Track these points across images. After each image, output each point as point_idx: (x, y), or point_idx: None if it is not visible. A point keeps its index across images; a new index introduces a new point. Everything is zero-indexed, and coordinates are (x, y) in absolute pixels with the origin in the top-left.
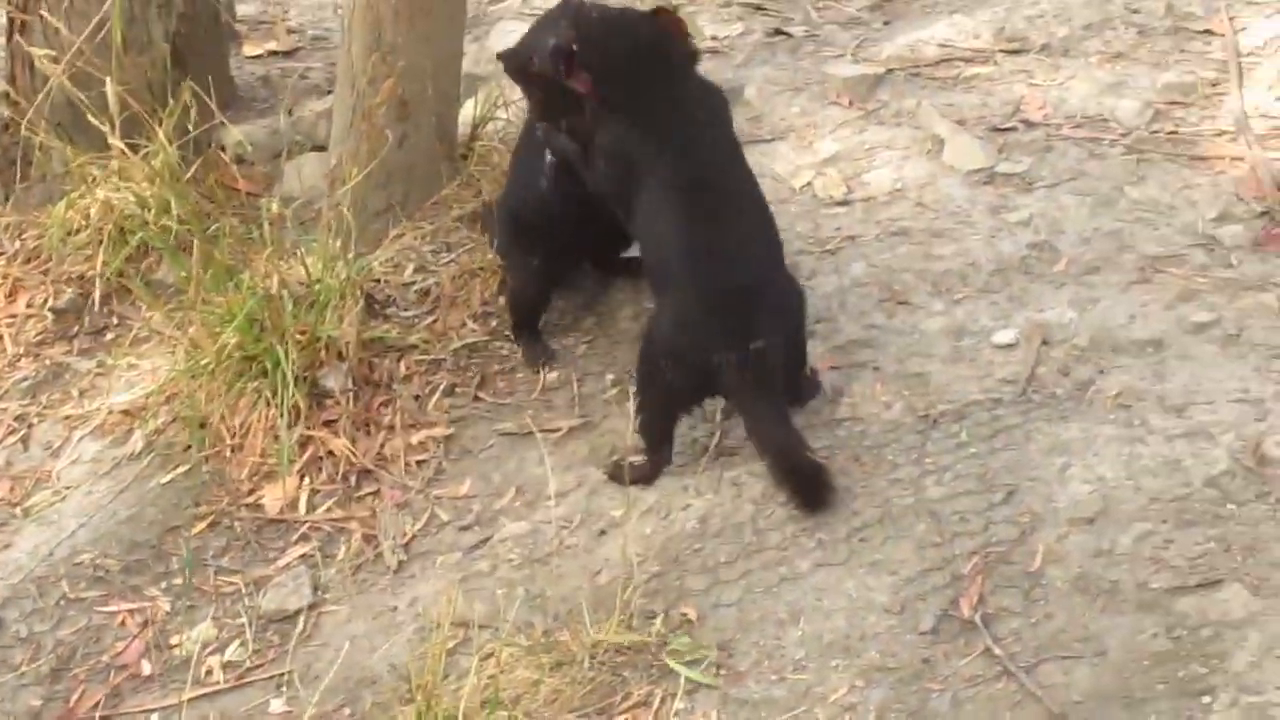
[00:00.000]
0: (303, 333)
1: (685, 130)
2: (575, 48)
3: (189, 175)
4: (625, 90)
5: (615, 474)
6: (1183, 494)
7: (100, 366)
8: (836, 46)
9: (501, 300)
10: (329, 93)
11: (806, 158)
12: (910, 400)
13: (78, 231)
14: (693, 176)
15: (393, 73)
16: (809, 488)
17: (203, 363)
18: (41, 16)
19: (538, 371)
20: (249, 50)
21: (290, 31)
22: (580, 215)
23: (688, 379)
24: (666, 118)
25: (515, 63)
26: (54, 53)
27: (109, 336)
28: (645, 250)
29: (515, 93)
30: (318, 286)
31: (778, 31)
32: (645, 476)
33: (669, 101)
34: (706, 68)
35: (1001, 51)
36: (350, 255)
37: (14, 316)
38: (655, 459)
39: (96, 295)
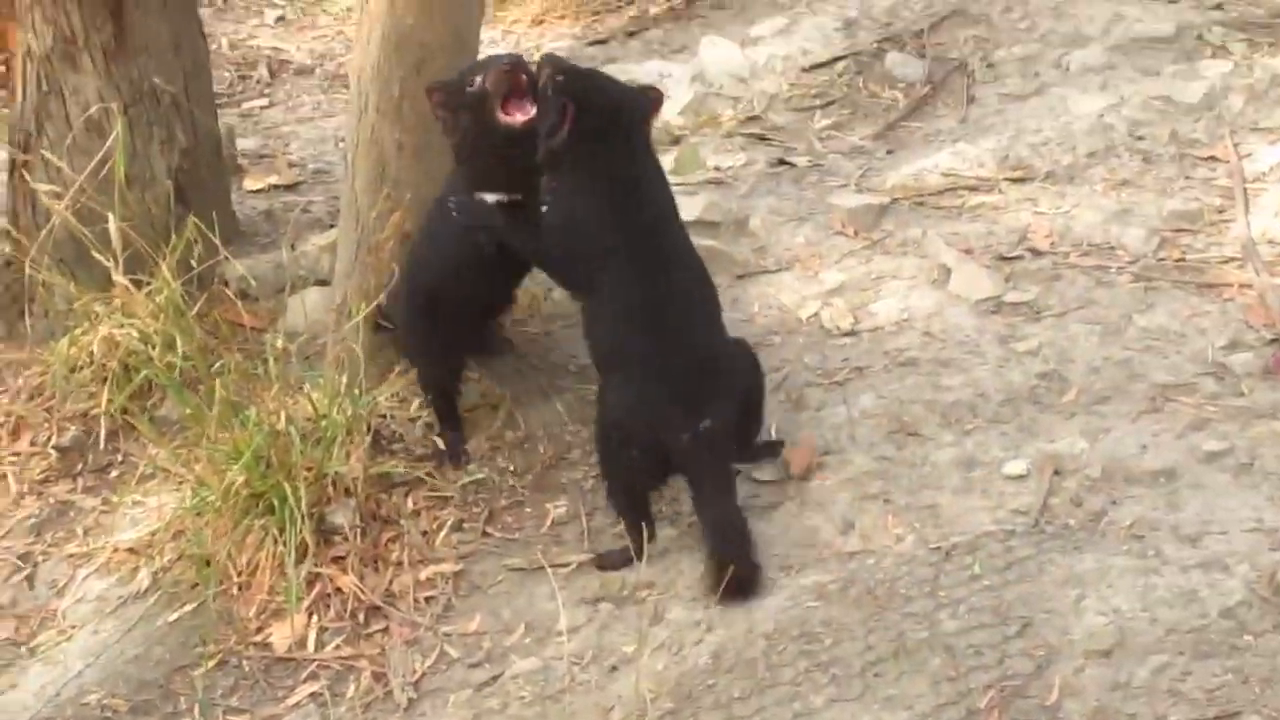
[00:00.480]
0: (309, 469)
1: (649, 209)
2: (560, 78)
3: (193, 311)
4: (595, 146)
5: (604, 562)
6: (1199, 625)
7: (105, 504)
8: (840, 176)
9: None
10: (331, 226)
11: (813, 288)
12: (922, 532)
13: (81, 368)
14: (654, 257)
15: (398, 207)
16: (732, 582)
17: (209, 500)
18: (43, 155)
19: (457, 469)
20: (251, 184)
21: (291, 165)
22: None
23: (645, 459)
24: (633, 191)
25: (448, 92)
26: (57, 189)
27: (114, 474)
28: (597, 325)
29: None
30: (324, 422)
31: (781, 161)
32: (629, 557)
33: (635, 175)
34: (711, 198)
35: (1006, 180)
36: (356, 390)
37: (18, 454)
38: (635, 537)
39: (101, 432)
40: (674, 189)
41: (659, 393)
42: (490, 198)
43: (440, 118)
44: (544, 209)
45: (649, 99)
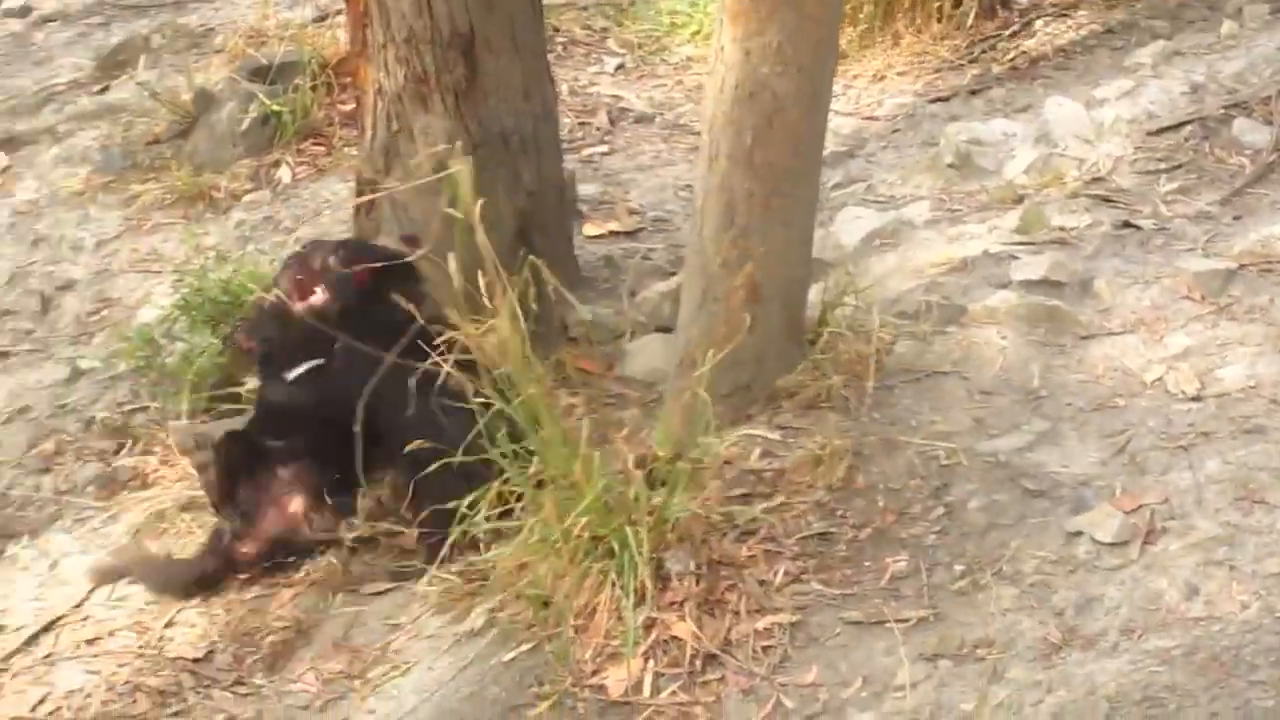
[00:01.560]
0: (650, 513)
1: None
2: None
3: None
4: None
5: None
6: None
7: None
8: (1186, 240)
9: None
10: (672, 274)
11: (1157, 351)
12: (1268, 600)
13: None
14: None
15: (748, 255)
16: None
17: (551, 540)
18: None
19: None
20: (590, 230)
21: (632, 212)
22: None
23: None
24: None
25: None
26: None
27: None
28: None
29: (864, 278)
30: (667, 468)
31: (1126, 224)
32: None
33: None
34: (1055, 258)
35: None
36: (699, 438)
37: None
38: None
39: None
40: (1017, 247)
41: None
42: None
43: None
44: None
45: None
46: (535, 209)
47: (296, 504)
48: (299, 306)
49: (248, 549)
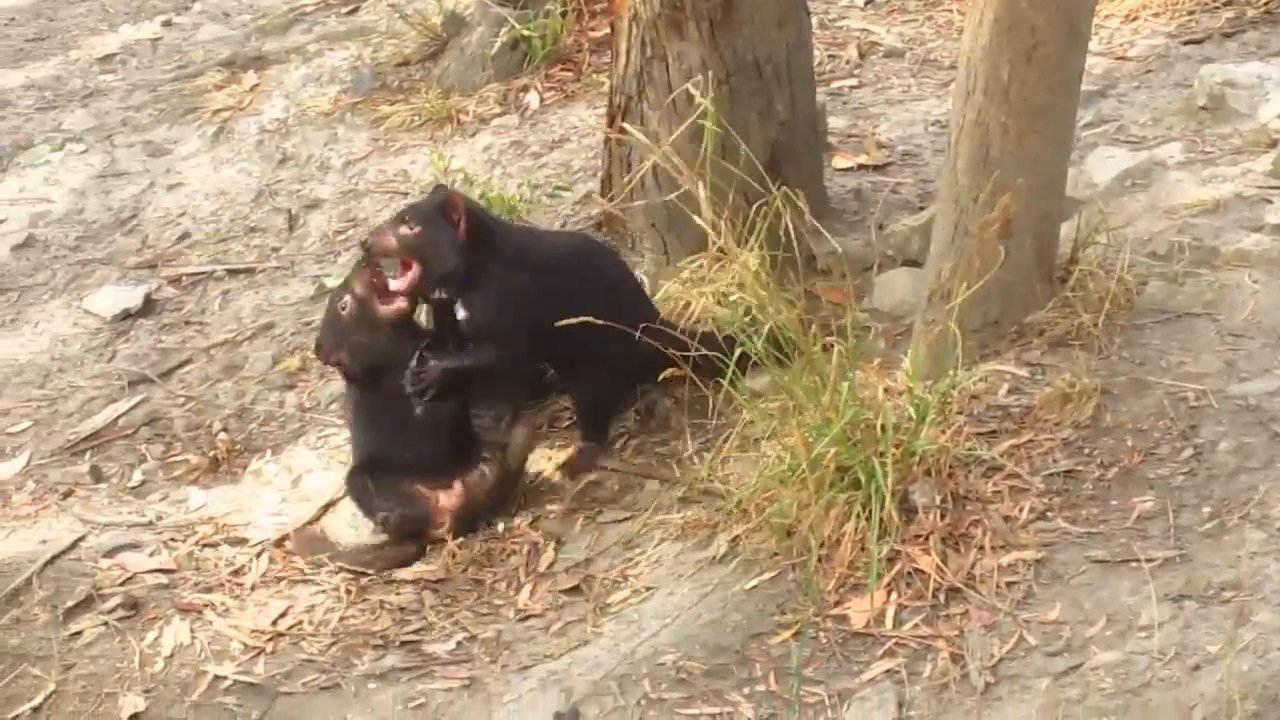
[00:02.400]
0: (897, 446)
1: None
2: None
3: (782, 283)
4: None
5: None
6: None
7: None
8: None
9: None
10: (920, 208)
11: None
12: None
13: None
14: None
15: (1002, 190)
16: None
17: (796, 470)
18: (641, 118)
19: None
20: (839, 163)
21: (881, 146)
22: None
23: None
24: None
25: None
26: (654, 154)
27: (697, 440)
28: None
29: (1115, 218)
30: (914, 401)
31: None
32: None
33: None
34: None
35: None
36: (949, 370)
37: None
38: None
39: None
40: (1271, 191)
41: None
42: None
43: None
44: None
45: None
46: (787, 139)
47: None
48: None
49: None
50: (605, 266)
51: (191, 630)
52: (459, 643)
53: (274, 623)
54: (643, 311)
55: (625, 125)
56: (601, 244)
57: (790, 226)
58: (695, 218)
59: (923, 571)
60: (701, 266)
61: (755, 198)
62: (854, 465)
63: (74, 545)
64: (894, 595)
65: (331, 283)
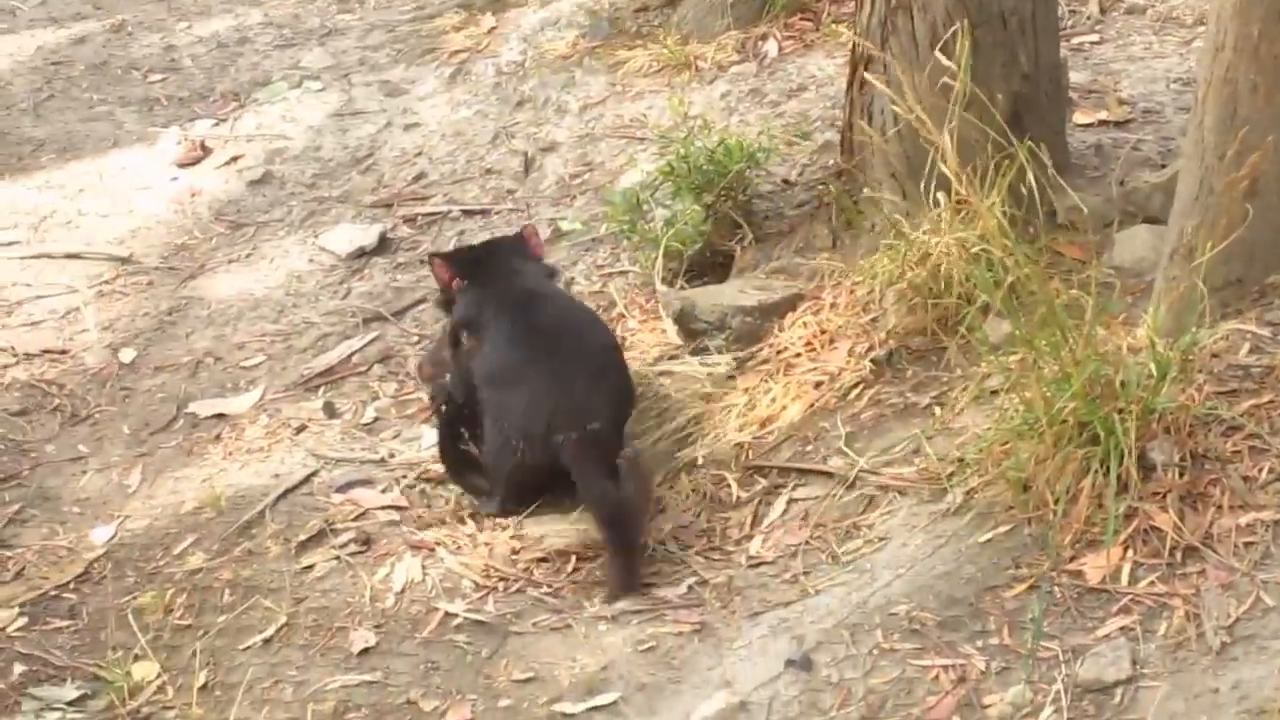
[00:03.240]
0: (1136, 403)
1: None
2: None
3: (1022, 237)
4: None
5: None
6: None
7: (908, 420)
8: None
9: None
10: (1162, 166)
11: None
12: None
13: (899, 282)
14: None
15: (1249, 148)
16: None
17: (1033, 425)
18: (884, 67)
19: None
20: (1080, 118)
21: (1122, 103)
22: None
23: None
24: None
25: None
26: (896, 104)
27: (928, 392)
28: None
29: None
30: (1156, 358)
31: None
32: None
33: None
34: None
35: None
36: (1189, 329)
37: (833, 367)
38: None
39: (909, 349)
40: None
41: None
42: None
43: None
44: None
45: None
46: (1029, 92)
47: None
48: None
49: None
50: None
51: (423, 567)
52: (690, 587)
53: (506, 562)
54: None
55: (867, 74)
56: None
57: (1032, 180)
58: (941, 166)
59: (1159, 529)
60: (940, 216)
61: (996, 150)
62: (1093, 421)
63: (306, 480)
64: (1130, 552)
65: (566, 226)
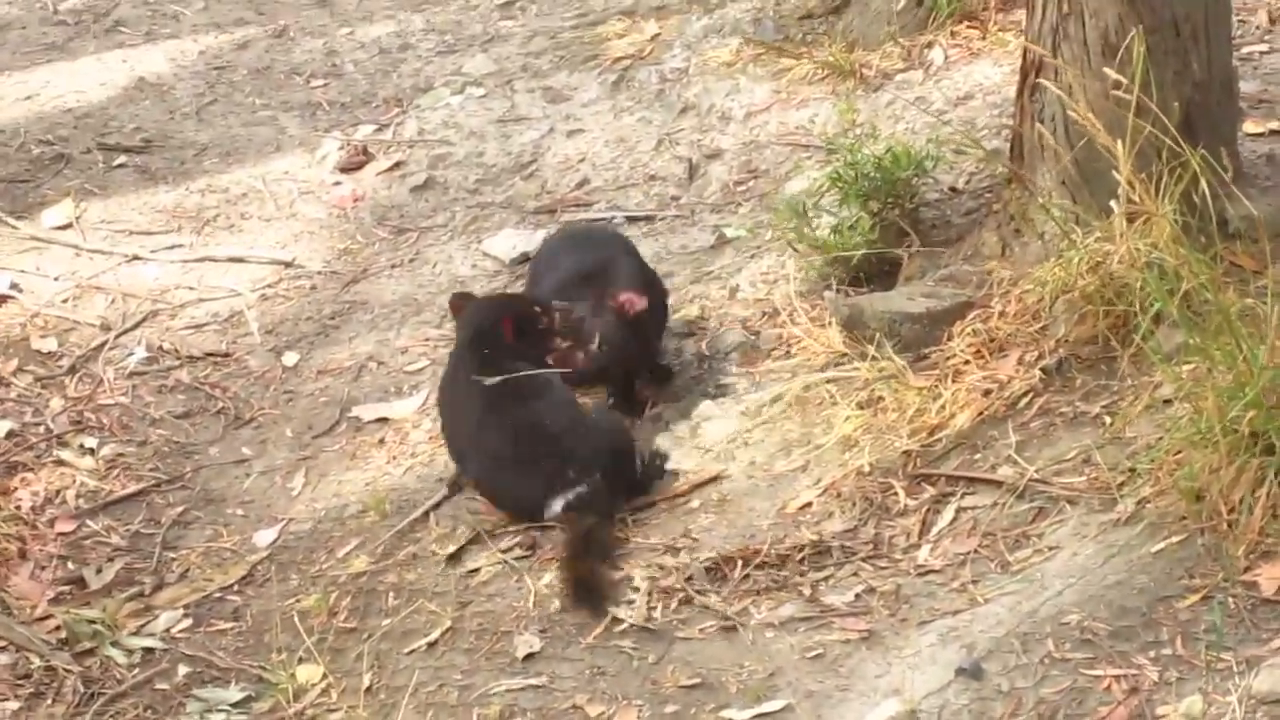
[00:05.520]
0: None
1: None
2: None
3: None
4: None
5: None
6: None
7: (1078, 429)
8: None
9: None
10: None
11: None
12: None
13: (1070, 291)
14: None
15: None
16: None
17: (1206, 434)
18: (1055, 74)
19: None
20: (1250, 127)
21: None
22: None
23: None
24: None
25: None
26: (1071, 109)
27: (1098, 401)
28: None
29: None
30: None
31: None
32: None
33: None
34: None
35: None
36: None
37: (1002, 375)
38: None
39: (1079, 358)
40: None
41: None
42: None
43: None
44: None
45: None
46: (1201, 99)
47: None
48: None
49: None
50: None
51: None
52: (857, 594)
53: (674, 540)
54: None
55: (1040, 80)
56: None
57: (1205, 188)
58: (1114, 173)
59: None
60: (1112, 225)
61: (1168, 158)
62: (1269, 430)
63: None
64: None
65: (731, 233)
